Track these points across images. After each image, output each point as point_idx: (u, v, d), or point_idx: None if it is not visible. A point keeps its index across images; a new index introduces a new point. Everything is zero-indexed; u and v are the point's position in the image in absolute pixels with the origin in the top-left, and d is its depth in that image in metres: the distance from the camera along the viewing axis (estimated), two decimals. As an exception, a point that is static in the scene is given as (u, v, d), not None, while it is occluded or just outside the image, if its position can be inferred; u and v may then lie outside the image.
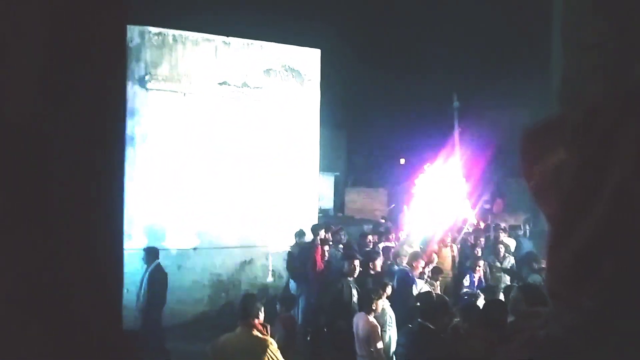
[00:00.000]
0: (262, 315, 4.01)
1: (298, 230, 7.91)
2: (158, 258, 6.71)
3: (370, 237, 7.79)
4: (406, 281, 5.50)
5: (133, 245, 7.62)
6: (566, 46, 1.78)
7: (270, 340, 3.92)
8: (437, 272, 6.23)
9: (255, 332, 3.86)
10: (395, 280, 5.54)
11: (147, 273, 6.43)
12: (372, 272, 5.62)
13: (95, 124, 0.55)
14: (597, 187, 0.51)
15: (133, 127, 8.60)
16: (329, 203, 19.07)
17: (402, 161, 25.29)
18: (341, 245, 7.52)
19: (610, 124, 0.54)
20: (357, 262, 5.63)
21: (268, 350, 3.76)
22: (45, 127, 0.52)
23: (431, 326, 3.84)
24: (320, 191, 12.99)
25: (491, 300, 4.53)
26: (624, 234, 0.48)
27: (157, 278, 6.40)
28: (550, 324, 0.39)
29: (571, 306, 0.38)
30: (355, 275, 5.51)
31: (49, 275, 0.54)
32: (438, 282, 6.38)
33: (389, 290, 5.12)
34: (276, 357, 3.86)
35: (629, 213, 0.48)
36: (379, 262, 5.68)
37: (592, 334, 0.35)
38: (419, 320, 3.97)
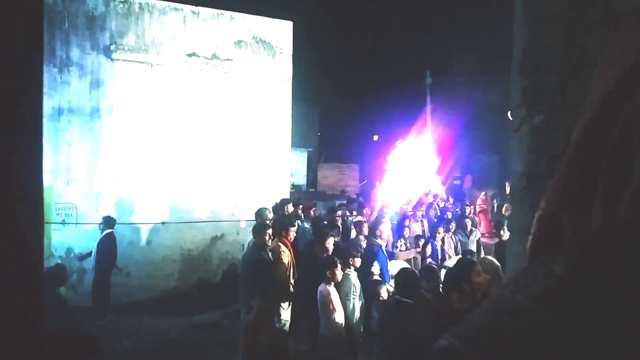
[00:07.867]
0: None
1: (257, 210, 6.87)
2: (112, 228, 7.32)
3: (339, 212, 7.84)
4: (369, 256, 5.54)
5: (100, 220, 7.50)
6: (527, 18, 1.80)
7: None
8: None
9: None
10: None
11: (99, 240, 7.24)
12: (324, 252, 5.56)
13: (10, 97, 0.52)
14: (597, 151, 0.43)
15: (98, 98, 8.32)
16: (301, 179, 19.08)
17: (375, 137, 25.36)
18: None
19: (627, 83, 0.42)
20: (330, 240, 5.61)
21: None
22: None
23: (409, 301, 3.86)
24: (293, 167, 12.93)
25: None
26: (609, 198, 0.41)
27: (105, 244, 7.20)
28: (517, 290, 0.35)
29: (542, 271, 0.35)
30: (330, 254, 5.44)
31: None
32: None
33: (357, 262, 5.18)
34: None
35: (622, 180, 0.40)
36: (330, 241, 5.64)
37: (558, 306, 0.32)
38: (397, 296, 4.00)
